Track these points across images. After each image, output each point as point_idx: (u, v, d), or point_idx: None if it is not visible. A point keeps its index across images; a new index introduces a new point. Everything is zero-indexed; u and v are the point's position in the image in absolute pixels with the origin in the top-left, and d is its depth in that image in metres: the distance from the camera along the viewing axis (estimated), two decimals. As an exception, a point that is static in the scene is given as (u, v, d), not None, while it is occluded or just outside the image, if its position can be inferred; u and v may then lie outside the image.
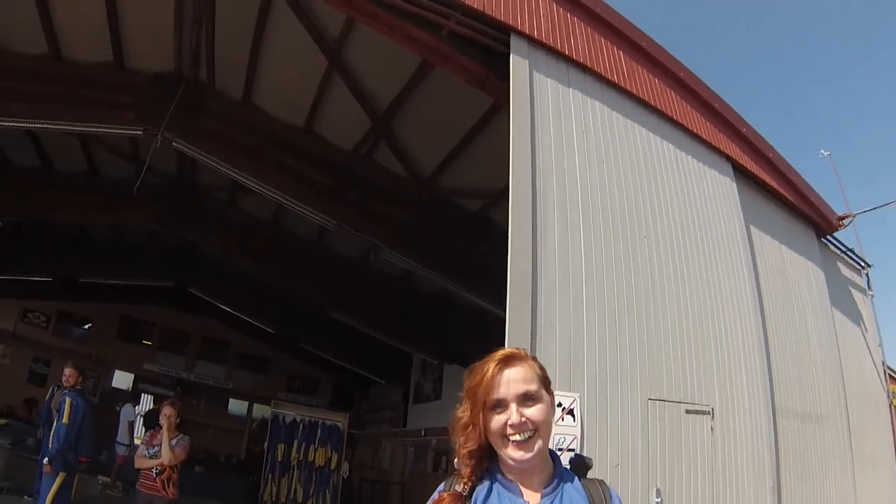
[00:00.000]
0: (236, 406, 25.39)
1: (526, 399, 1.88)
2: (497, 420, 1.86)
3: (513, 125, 6.77)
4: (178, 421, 7.65)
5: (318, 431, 17.38)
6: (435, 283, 14.07)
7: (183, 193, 15.29)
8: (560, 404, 5.62)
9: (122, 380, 23.57)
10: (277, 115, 11.81)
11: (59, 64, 11.16)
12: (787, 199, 10.04)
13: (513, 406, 1.85)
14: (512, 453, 1.85)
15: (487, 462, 1.96)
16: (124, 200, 13.91)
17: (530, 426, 1.85)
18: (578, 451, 5.55)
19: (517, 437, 1.84)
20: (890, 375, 12.94)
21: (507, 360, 1.92)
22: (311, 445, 17.06)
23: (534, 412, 1.87)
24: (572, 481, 1.98)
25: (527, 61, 7.31)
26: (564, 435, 5.55)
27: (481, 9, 7.29)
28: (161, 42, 10.74)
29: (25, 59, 11.09)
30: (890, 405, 12.30)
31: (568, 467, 2.07)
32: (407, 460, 19.62)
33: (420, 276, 14.24)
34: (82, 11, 10.12)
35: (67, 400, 8.73)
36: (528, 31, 7.47)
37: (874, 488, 10.32)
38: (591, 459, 2.17)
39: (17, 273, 19.27)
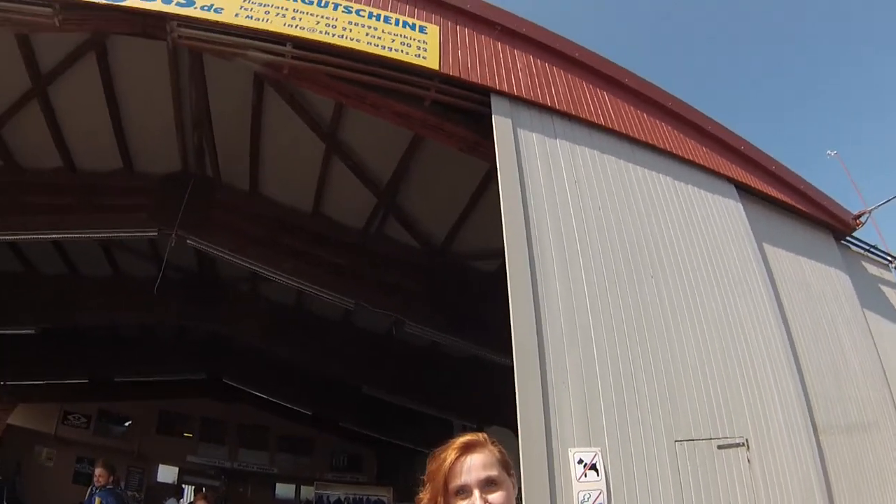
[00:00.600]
0: (283, 490, 25.25)
1: (488, 484, 1.90)
2: None
3: (501, 186, 6.84)
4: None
5: (364, 507, 17.33)
6: (463, 348, 14.04)
7: (205, 287, 15.63)
8: (581, 460, 5.54)
9: (167, 473, 23.53)
10: (285, 202, 12.09)
11: (74, 175, 11.68)
12: (797, 209, 9.88)
13: (476, 493, 1.88)
14: None
15: None
16: (150, 299, 14.12)
17: None
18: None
19: None
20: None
21: (467, 447, 1.95)
22: (359, 523, 16.99)
23: (496, 498, 1.88)
24: None
25: (509, 119, 7.42)
26: (589, 491, 5.44)
27: (457, 74, 7.44)
28: (166, 145, 11.17)
29: (42, 174, 11.65)
30: (946, 399, 11.83)
31: None
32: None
33: (446, 343, 14.25)
34: (90, 125, 10.66)
35: (97, 500, 8.81)
36: (507, 89, 7.60)
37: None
38: None
39: (54, 377, 19.73)
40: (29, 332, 15.58)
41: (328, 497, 17.30)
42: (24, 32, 8.52)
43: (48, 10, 7.03)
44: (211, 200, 11.85)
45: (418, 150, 10.08)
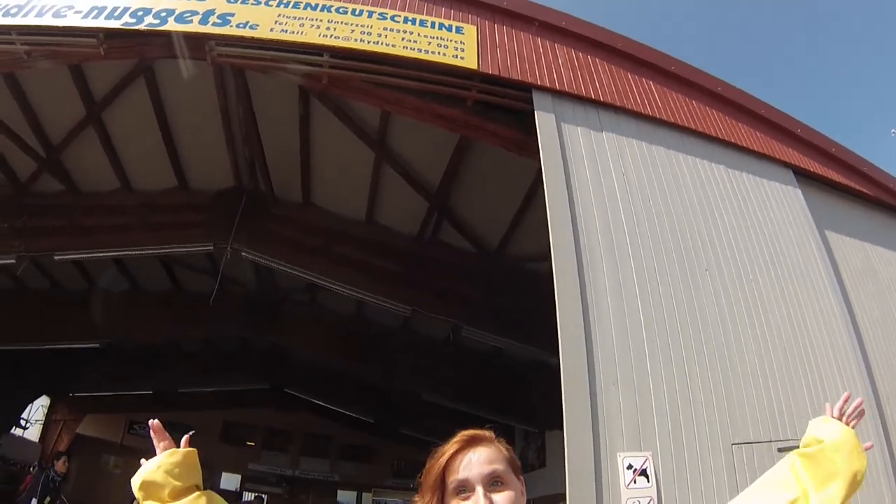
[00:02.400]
0: (345, 497, 25.58)
1: (493, 482, 1.66)
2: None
3: (546, 182, 6.73)
4: None
5: (424, 515, 17.44)
6: (523, 352, 13.89)
7: (264, 299, 15.86)
8: (630, 465, 5.35)
9: (230, 481, 24.30)
10: (338, 212, 12.22)
11: (131, 195, 12.16)
12: (861, 193, 9.37)
13: (479, 489, 1.63)
14: None
15: None
16: (209, 312, 14.58)
17: None
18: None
19: None
20: None
21: (471, 441, 1.74)
22: (418, 528, 17.12)
23: (502, 499, 1.63)
24: None
25: (552, 114, 7.29)
26: (639, 498, 5.24)
27: (497, 73, 7.37)
28: (218, 162, 11.46)
29: (101, 196, 12.19)
30: None
31: None
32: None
33: (506, 347, 14.14)
34: (144, 147, 11.06)
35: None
36: (549, 84, 7.48)
37: None
38: None
39: (120, 389, 20.88)
40: (94, 346, 16.21)
41: (386, 503, 17.38)
42: (73, 63, 8.80)
43: (93, 40, 7.32)
44: (264, 213, 12.08)
45: (467, 152, 10.03)
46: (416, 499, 1.78)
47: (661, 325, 6.31)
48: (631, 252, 6.66)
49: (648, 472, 5.39)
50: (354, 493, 25.42)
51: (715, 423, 5.97)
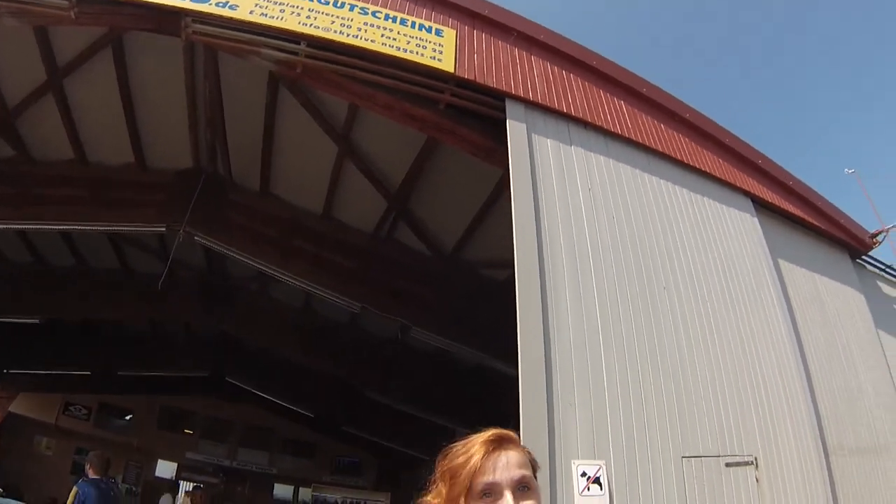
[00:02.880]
0: (282, 490, 25.28)
1: (522, 487, 1.63)
2: None
3: (514, 191, 6.77)
4: None
5: (361, 513, 17.28)
6: (469, 356, 13.97)
7: (214, 285, 15.62)
8: (584, 473, 5.43)
9: (166, 469, 23.70)
10: (296, 203, 12.05)
11: (86, 168, 11.74)
12: (814, 226, 9.72)
13: (507, 494, 1.60)
14: None
15: None
16: (157, 295, 14.12)
17: None
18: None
19: None
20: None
21: (500, 441, 1.69)
22: (355, 526, 16.94)
23: None
24: None
25: (524, 124, 7.36)
26: (592, 506, 5.35)
27: (473, 78, 7.39)
28: (178, 142, 11.18)
29: (54, 166, 11.72)
30: (961, 421, 11.68)
31: None
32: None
33: (453, 350, 14.15)
34: (103, 120, 10.68)
35: (73, 489, 8.67)
36: (522, 94, 7.54)
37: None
38: None
39: (57, 368, 19.94)
40: (33, 321, 15.71)
41: (325, 499, 17.26)
42: (41, 25, 8.54)
43: (65, 2, 7.08)
44: (221, 199, 11.83)
45: (431, 155, 9.99)
46: (431, 496, 1.78)
47: (619, 337, 6.42)
48: (592, 266, 6.76)
49: (602, 480, 5.48)
50: (291, 488, 25.10)
51: (667, 436, 6.11)
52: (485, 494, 1.62)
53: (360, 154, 10.46)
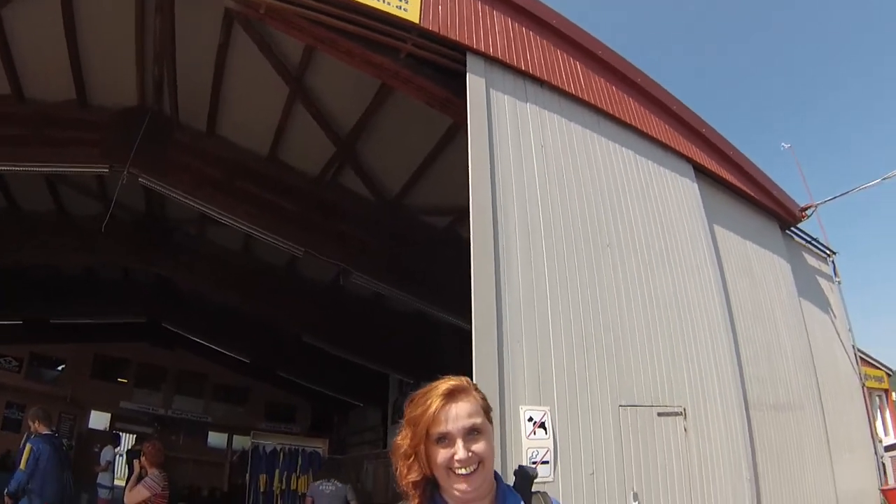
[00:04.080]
0: (216, 439, 24.87)
1: (472, 432, 1.87)
2: (442, 454, 1.86)
3: (471, 145, 6.83)
4: (160, 459, 7.58)
5: (299, 459, 17.36)
6: (408, 302, 14.15)
7: (153, 228, 15.19)
8: (531, 418, 5.70)
9: (99, 420, 22.84)
10: (242, 145, 11.81)
11: (23, 105, 11.10)
12: (749, 196, 10.21)
13: (459, 441, 1.85)
14: (458, 486, 1.85)
15: (430, 489, 1.95)
16: (94, 238, 13.77)
17: (476, 460, 1.84)
18: (552, 465, 5.65)
19: (463, 471, 1.84)
20: (861, 358, 13.24)
21: (452, 394, 1.90)
22: (293, 474, 17.04)
23: (480, 447, 1.86)
24: (517, 501, 1.98)
25: (483, 79, 7.40)
26: (538, 448, 5.63)
27: (437, 30, 7.37)
28: (123, 79, 10.72)
29: None
30: (862, 388, 12.58)
31: (512, 482, 2.10)
32: (389, 480, 19.49)
33: (392, 296, 14.31)
34: (44, 51, 10.12)
35: (27, 446, 8.64)
36: (483, 49, 7.55)
37: (852, 471, 10.55)
38: (533, 470, 2.12)
39: None
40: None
41: (264, 447, 17.19)
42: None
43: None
44: (166, 139, 11.43)
45: (383, 102, 9.95)
46: (400, 438, 1.99)
47: (564, 290, 6.68)
48: (542, 220, 6.94)
49: (547, 425, 5.77)
50: (225, 435, 24.89)
51: (605, 385, 6.46)
52: (440, 440, 1.87)
53: (312, 97, 10.33)
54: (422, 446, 1.90)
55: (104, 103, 11.34)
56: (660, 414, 6.78)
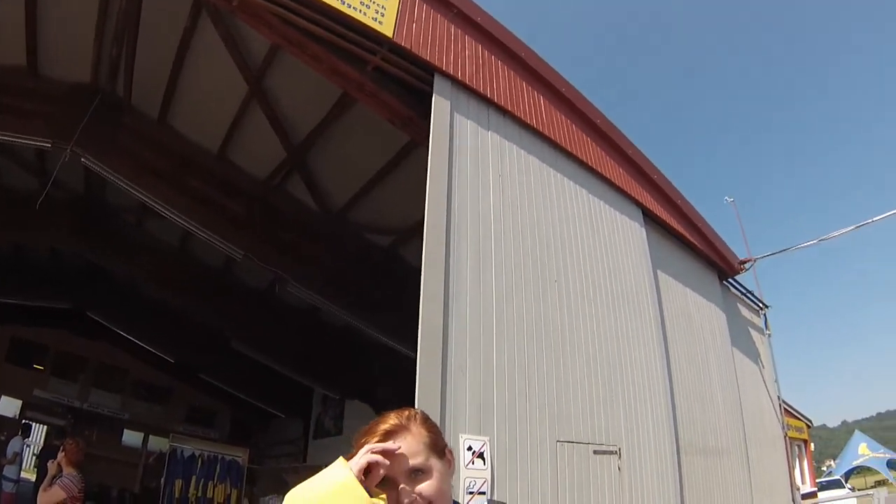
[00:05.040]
0: (132, 438, 23.84)
1: (415, 473, 1.74)
2: (388, 499, 1.75)
3: (430, 166, 6.78)
4: (80, 458, 7.21)
5: (218, 467, 16.73)
6: (341, 318, 13.92)
7: (89, 212, 14.50)
8: (471, 447, 5.65)
9: (8, 406, 21.30)
10: (192, 139, 11.48)
11: None
12: (693, 244, 10.46)
13: (402, 486, 1.73)
14: None
15: None
16: (25, 214, 13.14)
17: (424, 502, 1.72)
18: (489, 496, 5.60)
19: None
20: (785, 409, 13.73)
21: (388, 436, 1.78)
22: (211, 481, 16.39)
23: (426, 487, 1.73)
24: None
25: (449, 102, 7.39)
26: (475, 478, 5.58)
27: (408, 46, 7.32)
28: (80, 52, 10.26)
29: None
30: (785, 437, 13.02)
31: None
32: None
33: (326, 310, 14.07)
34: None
35: None
36: (452, 72, 7.55)
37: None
38: None
39: None
40: None
41: (182, 451, 16.53)
42: None
43: None
44: (115, 121, 11.00)
45: (341, 114, 9.86)
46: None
47: (511, 322, 6.67)
48: (493, 248, 6.94)
49: (485, 455, 5.72)
50: (141, 435, 23.88)
51: (545, 420, 6.47)
52: (381, 484, 1.73)
53: (270, 99, 10.16)
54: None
55: (55, 75, 10.82)
56: (596, 452, 6.83)
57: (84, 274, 18.67)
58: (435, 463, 1.79)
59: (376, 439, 1.76)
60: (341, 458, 1.77)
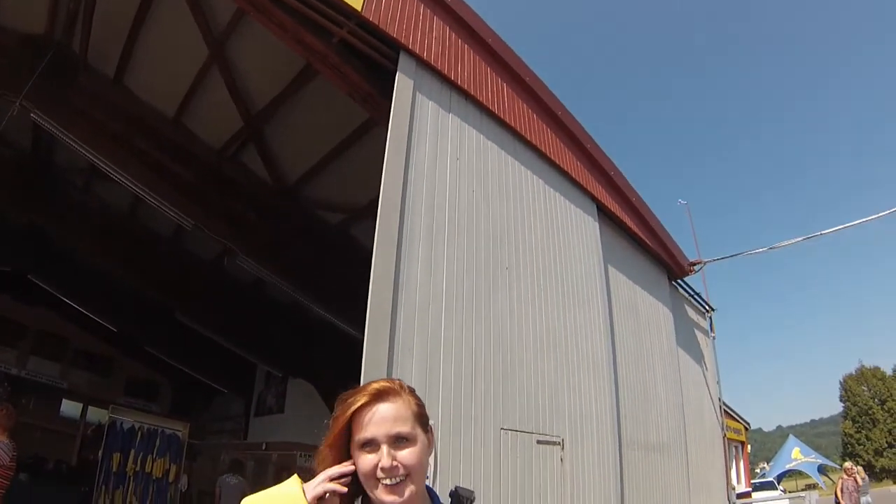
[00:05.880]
0: (70, 408, 23.21)
1: (399, 440, 1.69)
2: (366, 460, 1.67)
3: (389, 144, 6.68)
4: (12, 425, 6.95)
5: (157, 441, 16.37)
6: (287, 295, 13.80)
7: (36, 170, 13.89)
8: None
9: None
10: (148, 101, 11.11)
11: None
12: (644, 242, 10.56)
13: (384, 448, 1.67)
14: (383, 497, 1.66)
15: (357, 499, 1.76)
16: None
17: (402, 470, 1.67)
18: (432, 479, 5.54)
19: (388, 481, 1.66)
20: (725, 411, 14.06)
21: (380, 395, 1.72)
22: (150, 455, 16.03)
23: (407, 455, 1.68)
24: None
25: (412, 81, 7.29)
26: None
27: (376, 21, 7.19)
28: (33, 2, 9.87)
29: None
30: (723, 437, 13.32)
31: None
32: (247, 474, 18.90)
33: (273, 286, 13.94)
34: None
35: None
36: (417, 51, 7.44)
37: (708, 511, 11.08)
38: (471, 493, 1.99)
39: None
40: None
41: (122, 424, 16.14)
42: None
43: None
44: (69, 77, 10.53)
45: (301, 87, 9.68)
46: (325, 443, 1.77)
47: (460, 304, 6.63)
48: (447, 231, 6.88)
49: (428, 436, 5.65)
50: (80, 406, 23.23)
51: (490, 406, 6.43)
52: (364, 445, 1.69)
53: (230, 66, 9.91)
54: (345, 451, 1.74)
55: (7, 24, 10.30)
56: (539, 442, 6.83)
57: (26, 236, 17.95)
58: (420, 434, 1.74)
59: (364, 399, 1.70)
60: (296, 477, 1.74)
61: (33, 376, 22.03)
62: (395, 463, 1.66)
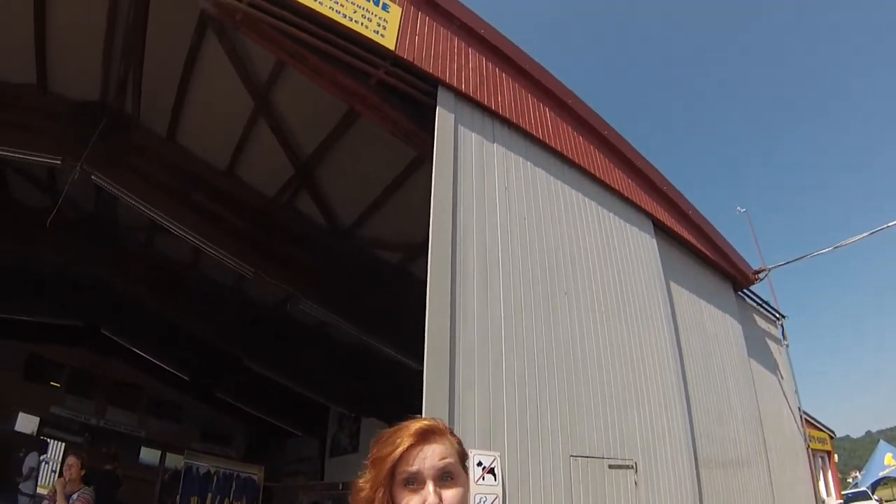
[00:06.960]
0: (148, 455, 23.92)
1: (444, 477, 1.61)
2: (409, 499, 1.59)
3: (435, 180, 6.71)
4: (83, 472, 7.11)
5: (233, 484, 16.58)
6: (352, 335, 13.87)
7: (100, 230, 14.48)
8: (480, 463, 5.52)
9: (27, 423, 21.61)
10: (200, 155, 11.45)
11: None
12: (705, 255, 10.32)
13: (430, 485, 1.59)
14: None
15: None
16: (37, 232, 13.05)
17: None
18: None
19: None
20: (806, 420, 13.52)
21: (425, 434, 1.66)
22: (227, 499, 16.23)
23: (452, 495, 1.60)
24: None
25: (453, 115, 7.32)
26: (486, 494, 5.43)
27: (411, 59, 7.28)
28: (88, 70, 10.29)
29: None
30: (807, 448, 12.81)
31: None
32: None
33: (336, 327, 14.01)
34: (8, 30, 9.64)
35: None
36: (455, 84, 7.49)
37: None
38: None
39: None
40: None
41: (198, 468, 16.40)
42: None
43: None
44: (124, 139, 10.98)
45: (347, 129, 9.81)
46: (363, 481, 1.72)
47: (520, 335, 6.55)
48: (501, 262, 6.84)
49: (496, 470, 5.58)
50: (159, 452, 23.80)
51: (557, 434, 6.31)
52: (408, 482, 1.62)
53: (276, 115, 10.12)
54: (384, 490, 1.63)
55: (64, 92, 10.85)
56: (611, 466, 6.67)
57: (97, 291, 18.59)
58: (461, 473, 1.68)
59: (410, 440, 1.64)
60: None
61: (112, 426, 22.73)
62: (439, 501, 1.59)
